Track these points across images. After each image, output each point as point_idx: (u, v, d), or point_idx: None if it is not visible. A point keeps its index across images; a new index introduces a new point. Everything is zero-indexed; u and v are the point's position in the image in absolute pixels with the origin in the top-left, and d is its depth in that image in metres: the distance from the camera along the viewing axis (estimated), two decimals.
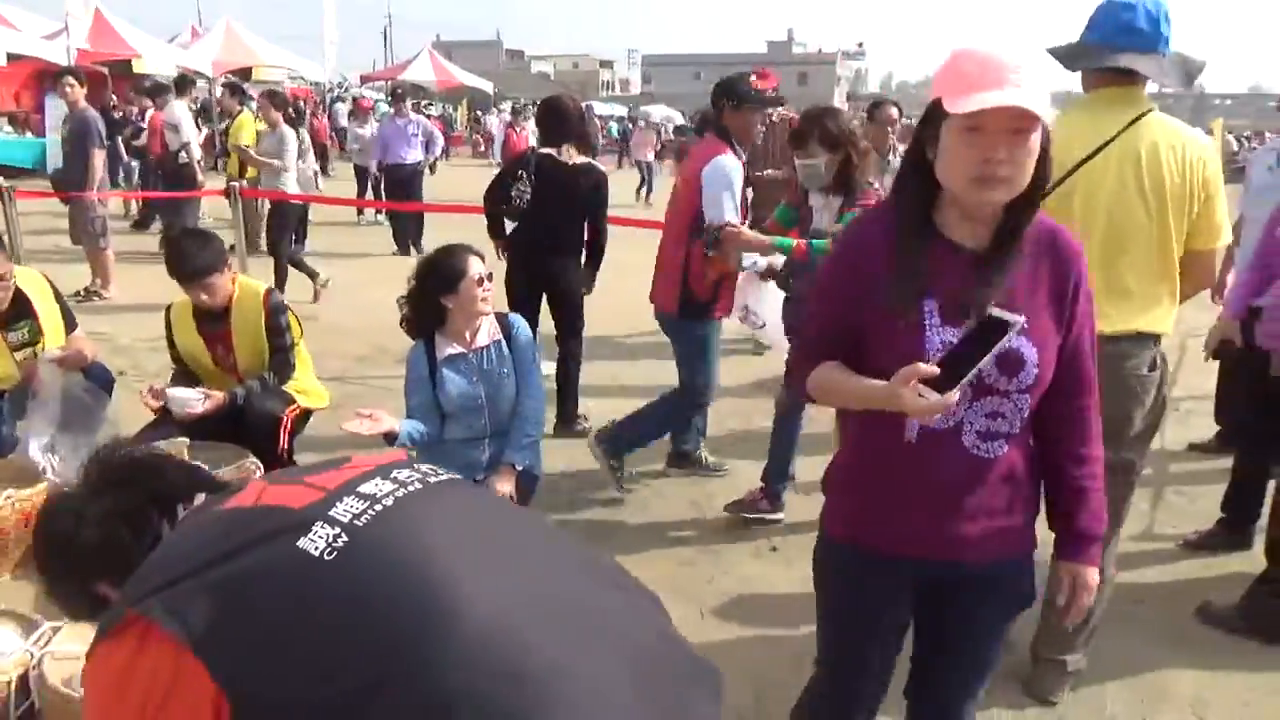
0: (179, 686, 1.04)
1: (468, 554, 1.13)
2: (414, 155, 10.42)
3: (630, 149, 19.81)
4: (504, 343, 3.32)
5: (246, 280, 3.82)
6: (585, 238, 4.63)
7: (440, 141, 10.86)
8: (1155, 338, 2.42)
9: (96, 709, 1.12)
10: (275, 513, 1.15)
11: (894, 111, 4.88)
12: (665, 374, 5.87)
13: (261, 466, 3.53)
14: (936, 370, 1.41)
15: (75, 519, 1.31)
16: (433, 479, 1.26)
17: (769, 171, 5.64)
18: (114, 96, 14.12)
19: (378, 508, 1.15)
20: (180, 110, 9.16)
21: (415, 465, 1.29)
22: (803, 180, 3.50)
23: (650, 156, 17.21)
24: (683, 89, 70.03)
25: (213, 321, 3.73)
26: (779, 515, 3.75)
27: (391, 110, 11.29)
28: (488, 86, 29.44)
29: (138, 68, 16.32)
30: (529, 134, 15.01)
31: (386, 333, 6.65)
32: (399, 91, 11.21)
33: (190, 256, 3.59)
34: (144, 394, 3.61)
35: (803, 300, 3.42)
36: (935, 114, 1.51)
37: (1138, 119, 2.34)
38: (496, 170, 5.14)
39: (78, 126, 7.20)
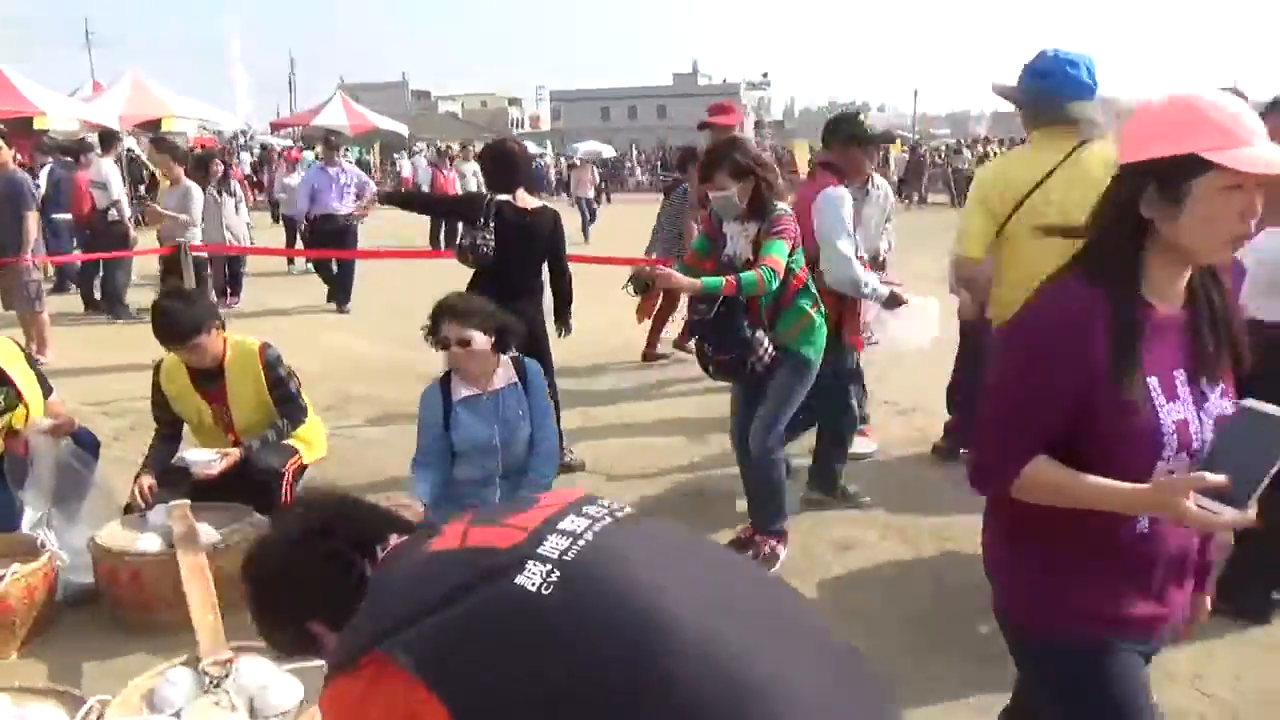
0: (418, 710, 1.12)
1: (670, 579, 1.22)
2: (346, 207, 9.78)
3: (570, 186, 19.75)
4: (520, 386, 3.39)
5: (239, 338, 3.81)
6: (546, 279, 4.66)
7: (373, 190, 10.48)
8: None
9: None
10: (486, 554, 1.23)
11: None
12: (628, 402, 6.03)
13: (267, 519, 3.51)
14: (1224, 480, 1.30)
15: (287, 561, 1.40)
16: (619, 513, 1.35)
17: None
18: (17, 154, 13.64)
19: (581, 543, 1.23)
20: (108, 167, 8.96)
21: (597, 501, 1.37)
22: (718, 211, 3.57)
23: (590, 193, 17.11)
24: (592, 124, 70.77)
25: (209, 380, 3.72)
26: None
27: (320, 159, 11.02)
28: (403, 129, 29.29)
29: (39, 124, 15.80)
30: (456, 177, 15.07)
31: (350, 379, 6.65)
32: (331, 139, 10.70)
33: (174, 319, 3.57)
34: (138, 494, 3.55)
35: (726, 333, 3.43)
36: (1170, 171, 1.38)
37: (1081, 145, 2.99)
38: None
39: (8, 189, 6.99)
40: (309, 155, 17.59)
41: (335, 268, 9.65)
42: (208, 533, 3.30)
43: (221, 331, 3.71)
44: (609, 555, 1.23)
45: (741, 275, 3.33)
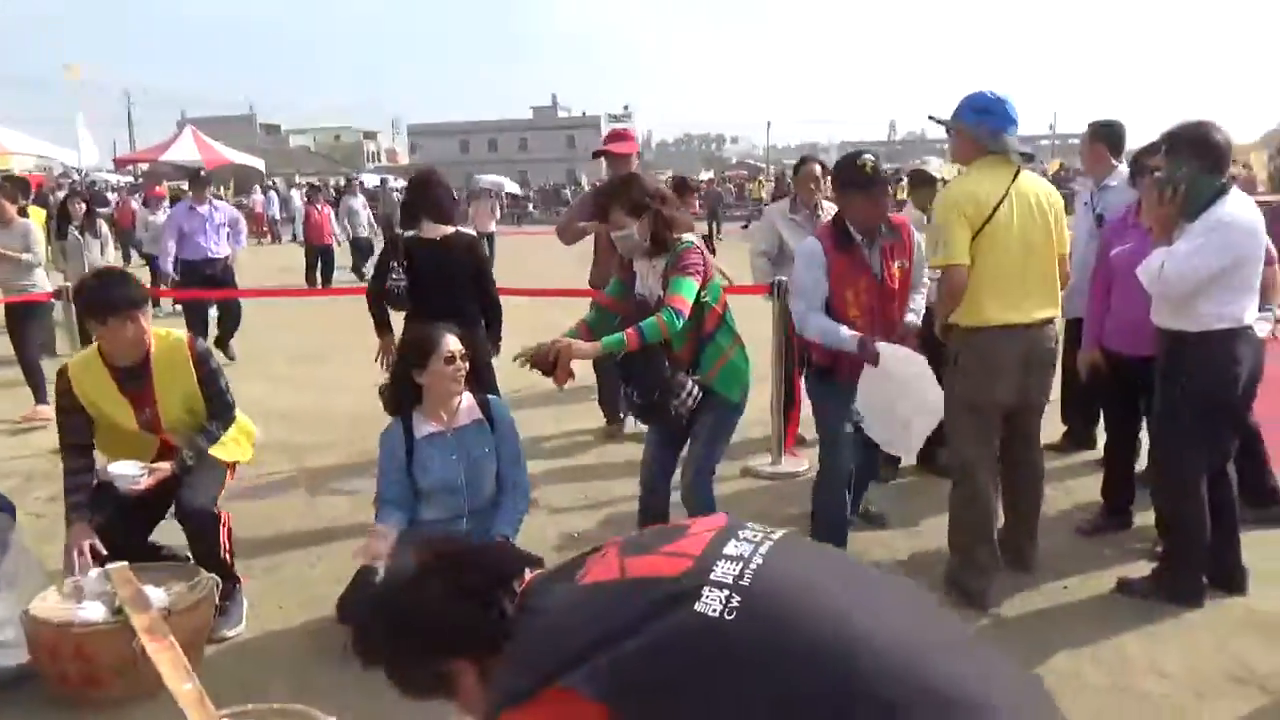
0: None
1: (846, 598, 1.23)
2: (222, 248, 8.85)
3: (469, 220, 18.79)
4: (485, 424, 3.33)
5: (163, 330, 3.51)
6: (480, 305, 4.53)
7: (244, 230, 9.76)
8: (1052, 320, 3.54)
9: None
10: (656, 583, 1.22)
11: (817, 168, 5.11)
12: (562, 433, 5.96)
13: (218, 579, 3.31)
14: None
15: (424, 600, 1.37)
16: (774, 535, 1.35)
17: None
18: None
19: (753, 566, 1.23)
20: None
21: (748, 525, 1.37)
22: (623, 252, 3.48)
23: (492, 227, 16.19)
24: (452, 157, 70.14)
25: (132, 378, 3.40)
26: None
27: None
28: (259, 163, 28.26)
29: None
30: (330, 213, 14.64)
31: (262, 424, 6.29)
32: (201, 174, 9.73)
33: (112, 289, 3.27)
34: (77, 557, 3.22)
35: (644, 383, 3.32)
36: None
37: (1017, 174, 3.43)
38: (301, 249, 4.96)
39: None
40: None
41: (217, 312, 8.94)
42: (155, 595, 3.08)
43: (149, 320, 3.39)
44: (783, 577, 1.24)
45: (642, 325, 3.16)
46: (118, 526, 3.38)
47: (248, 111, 76.60)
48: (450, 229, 4.45)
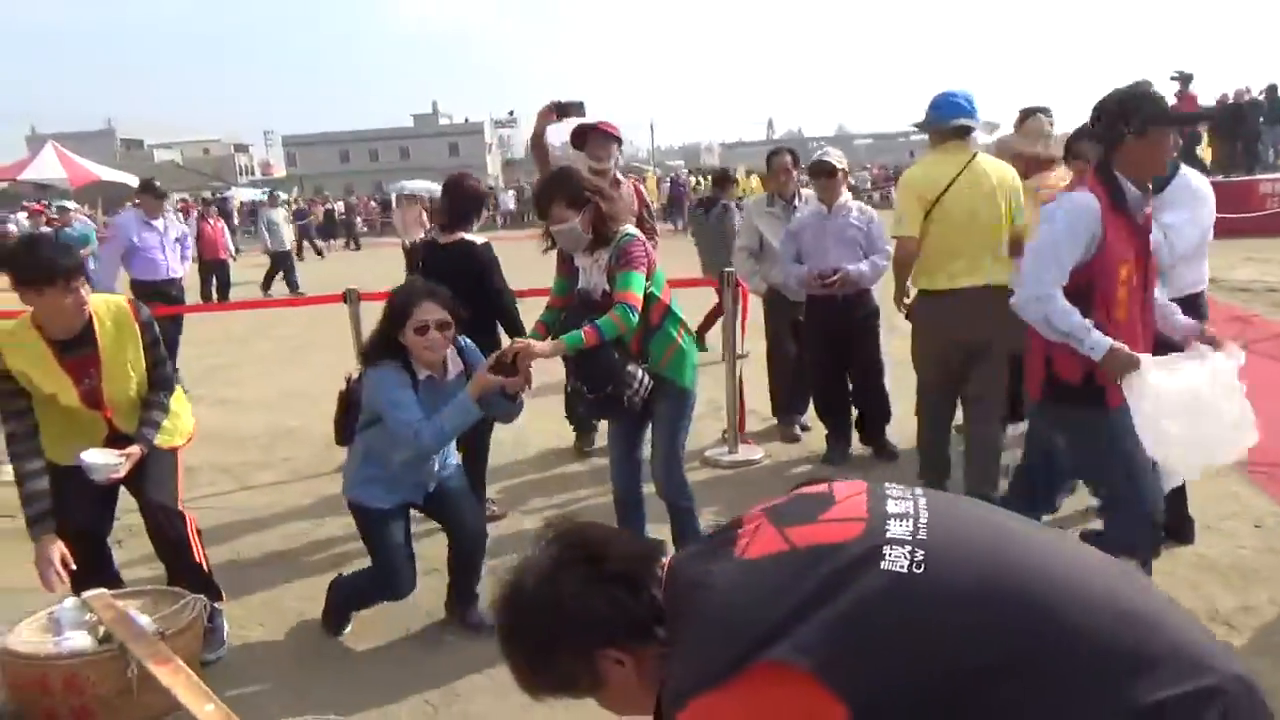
0: (815, 710, 1.12)
1: (1003, 537, 1.29)
2: (182, 267, 8.10)
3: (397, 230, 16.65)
4: (464, 375, 3.31)
5: (102, 295, 3.28)
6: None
7: (191, 246, 8.85)
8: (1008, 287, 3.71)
9: None
10: (833, 549, 1.23)
11: (788, 158, 5.22)
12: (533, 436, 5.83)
13: (205, 599, 3.17)
14: None
15: (569, 592, 1.32)
16: (918, 490, 1.39)
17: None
18: None
19: (921, 520, 1.26)
20: None
21: (885, 484, 1.41)
22: (564, 247, 3.45)
23: (420, 235, 15.79)
24: (332, 168, 68.24)
25: (75, 347, 3.13)
26: None
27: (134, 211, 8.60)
28: (132, 180, 26.74)
29: None
30: (223, 228, 14.10)
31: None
32: (155, 186, 8.22)
33: (53, 253, 3.00)
34: (51, 573, 2.98)
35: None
36: None
37: (974, 157, 3.91)
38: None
39: None
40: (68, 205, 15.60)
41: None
42: (142, 621, 2.93)
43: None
44: (949, 526, 1.27)
45: (599, 322, 3.14)
46: (85, 525, 3.21)
47: (105, 127, 72.75)
48: (456, 235, 4.35)
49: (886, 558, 1.21)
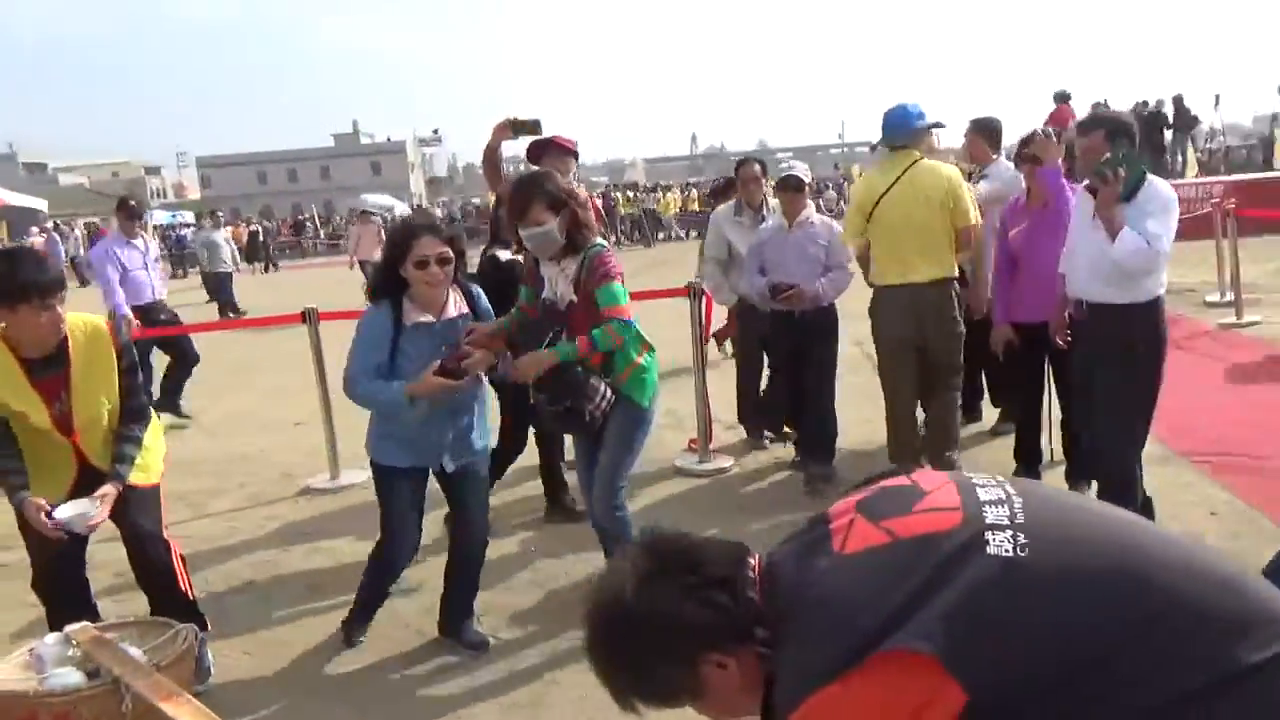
0: (936, 695, 1.16)
1: (1093, 518, 1.34)
2: (163, 288, 7.63)
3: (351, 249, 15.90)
4: (470, 316, 3.28)
5: (77, 314, 3.11)
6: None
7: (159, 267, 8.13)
8: (949, 279, 4.38)
9: None
10: (937, 538, 1.27)
11: (756, 168, 5.24)
12: None
13: (195, 628, 3.07)
14: None
15: (662, 600, 1.32)
16: (999, 477, 1.43)
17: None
18: None
19: (1016, 505, 1.30)
20: None
21: (971, 473, 1.45)
22: (534, 250, 3.29)
23: (378, 254, 15.22)
24: (249, 189, 66.71)
25: (46, 366, 3.00)
26: None
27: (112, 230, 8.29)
28: (41, 204, 25.92)
29: None
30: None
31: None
32: (131, 204, 7.63)
33: (34, 267, 2.87)
34: (44, 520, 2.90)
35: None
36: None
37: (913, 164, 4.33)
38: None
39: None
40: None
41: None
42: (133, 653, 2.83)
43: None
44: (1042, 510, 1.32)
45: (594, 335, 3.14)
46: (61, 550, 3.08)
47: (6, 150, 69.91)
48: (494, 251, 4.42)
49: (991, 543, 1.25)
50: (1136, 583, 1.22)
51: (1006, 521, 1.28)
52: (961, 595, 1.20)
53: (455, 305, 3.25)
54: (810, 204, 4.85)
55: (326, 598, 3.94)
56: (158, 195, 69.92)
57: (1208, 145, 22.11)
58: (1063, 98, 14.40)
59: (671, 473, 5.21)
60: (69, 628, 2.94)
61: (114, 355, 3.12)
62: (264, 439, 6.67)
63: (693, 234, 26.97)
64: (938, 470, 1.46)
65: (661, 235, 27.41)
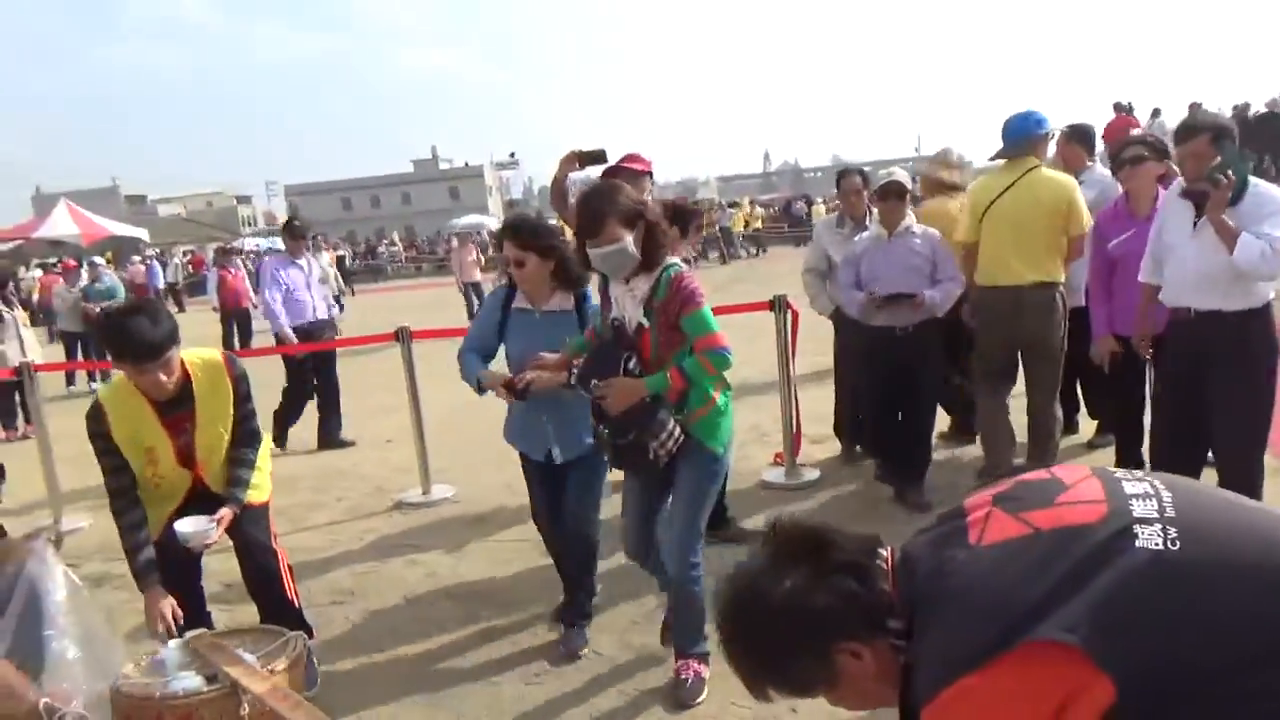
0: (1082, 687, 1.15)
1: (1243, 511, 1.33)
2: (325, 307, 7.52)
3: (456, 271, 16.17)
4: (574, 314, 3.41)
5: (194, 351, 3.27)
6: None
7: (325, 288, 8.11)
8: (1054, 284, 4.48)
9: None
10: (1084, 530, 1.26)
11: (858, 180, 5.13)
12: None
13: (304, 636, 3.19)
14: None
15: (795, 589, 1.34)
16: (1144, 471, 1.42)
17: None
18: None
19: (1165, 499, 1.29)
20: None
21: (1115, 469, 1.44)
22: (607, 270, 3.01)
23: (477, 276, 14.80)
24: (334, 215, 68.82)
25: (174, 405, 3.17)
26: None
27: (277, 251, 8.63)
28: (143, 234, 27.15)
29: None
30: (244, 275, 14.21)
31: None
32: (296, 224, 7.71)
33: (145, 331, 2.98)
34: (161, 619, 3.05)
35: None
36: None
37: (1031, 169, 4.48)
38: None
39: None
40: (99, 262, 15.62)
41: (313, 388, 7.26)
42: (248, 659, 2.94)
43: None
44: (1190, 504, 1.30)
45: (685, 365, 2.86)
46: (183, 582, 3.26)
47: (110, 184, 73.53)
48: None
49: (1140, 536, 1.23)
50: (1276, 574, 1.19)
51: (1155, 515, 1.27)
52: (1109, 588, 1.19)
53: (559, 301, 3.39)
54: (911, 213, 4.66)
55: (422, 608, 4.04)
56: (249, 224, 72.63)
57: None
58: (1123, 108, 14.89)
59: (759, 488, 5.19)
60: (188, 634, 3.08)
61: (230, 387, 3.27)
62: (357, 456, 6.87)
63: (758, 251, 26.88)
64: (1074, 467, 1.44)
65: (729, 252, 27.29)
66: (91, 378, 11.67)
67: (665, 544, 3.11)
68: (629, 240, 2.90)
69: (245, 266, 16.63)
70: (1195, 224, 3.48)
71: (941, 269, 4.52)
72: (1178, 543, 1.23)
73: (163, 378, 3.05)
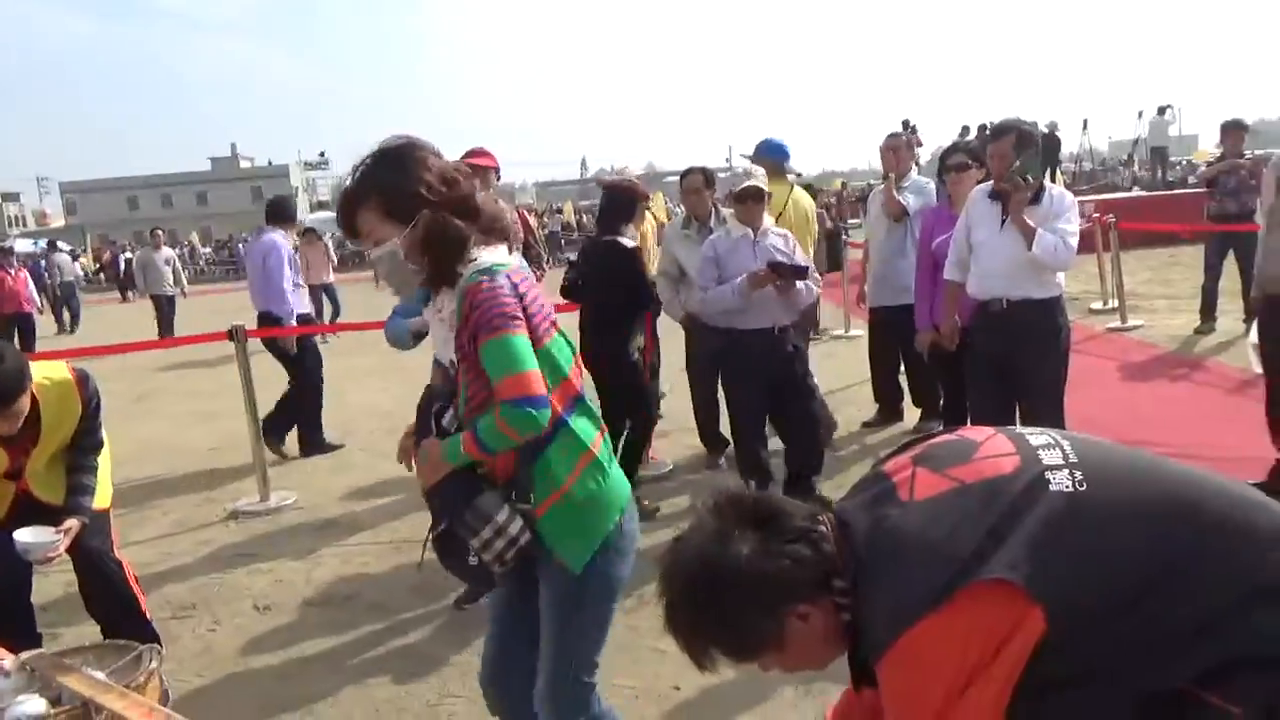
0: (1019, 624, 1.26)
1: (1140, 456, 1.47)
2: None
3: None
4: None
5: (44, 370, 3.02)
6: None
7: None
8: None
9: (941, 668, 1.27)
10: (1005, 480, 1.37)
11: (700, 179, 5.10)
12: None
13: (158, 648, 2.96)
14: None
15: (745, 556, 1.36)
16: (1046, 428, 1.55)
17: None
18: None
19: (1067, 448, 1.42)
20: None
21: (1013, 428, 1.56)
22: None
23: (329, 277, 13.29)
24: (119, 215, 63.52)
25: (16, 434, 2.95)
26: None
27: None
28: None
29: None
30: (25, 277, 12.94)
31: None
32: (284, 203, 7.12)
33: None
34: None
35: None
36: None
37: (791, 190, 5.36)
38: None
39: None
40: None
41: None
42: (97, 676, 2.70)
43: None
44: (1092, 450, 1.43)
45: (479, 429, 1.95)
46: (10, 598, 3.04)
47: None
48: (613, 236, 4.64)
49: (1053, 481, 1.35)
50: (1188, 505, 1.35)
51: (1061, 461, 1.39)
52: (1035, 529, 1.30)
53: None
54: (767, 215, 4.57)
55: (279, 616, 3.83)
56: (17, 224, 65.95)
57: (1073, 168, 23.67)
58: (909, 127, 16.41)
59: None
60: (23, 655, 2.79)
61: (80, 407, 3.07)
62: (181, 465, 6.41)
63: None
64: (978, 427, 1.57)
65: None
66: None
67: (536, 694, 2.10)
68: (396, 241, 2.00)
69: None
70: (1003, 222, 3.85)
71: (802, 266, 4.41)
72: (1085, 484, 1.36)
73: (14, 421, 2.86)
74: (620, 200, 4.72)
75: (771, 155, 5.39)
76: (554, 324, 2.07)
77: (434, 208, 1.98)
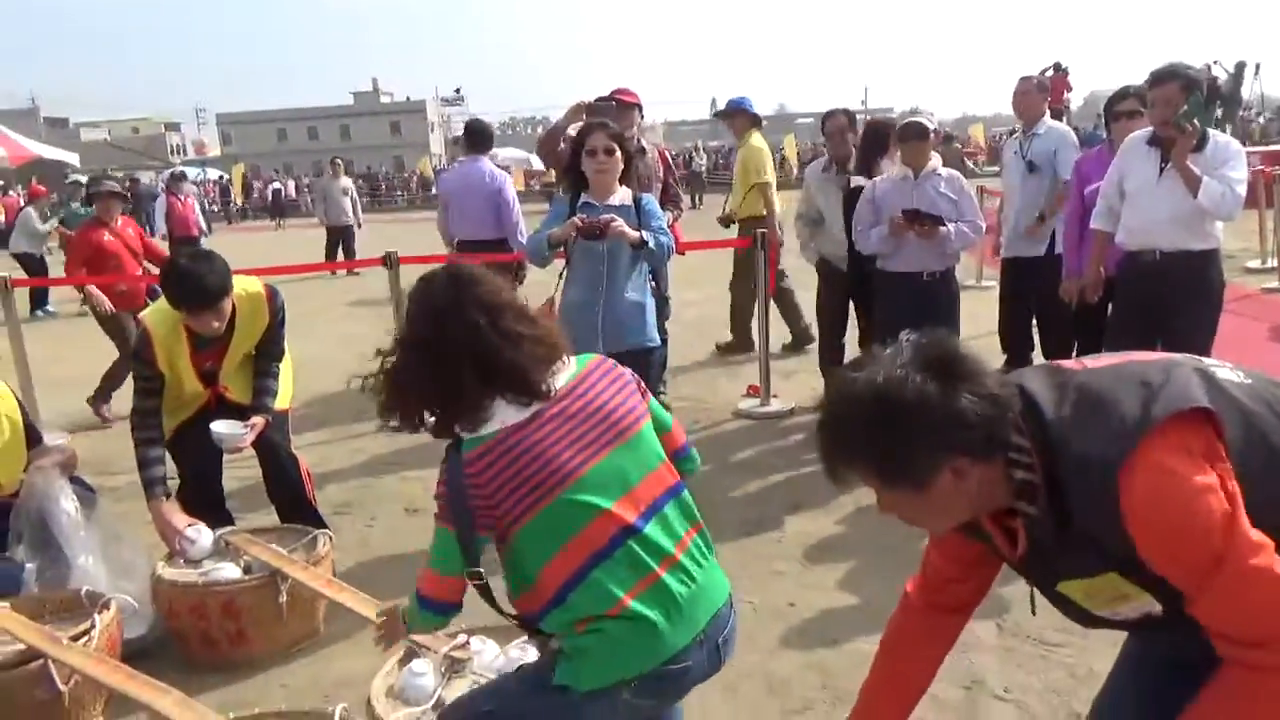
0: (1213, 444, 1.38)
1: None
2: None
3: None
4: (633, 210, 3.62)
5: (241, 282, 3.37)
6: None
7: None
8: None
9: (1190, 492, 1.33)
10: (1173, 359, 1.53)
11: (843, 119, 5.18)
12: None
13: (329, 533, 3.34)
14: None
15: (929, 395, 1.35)
16: None
17: None
18: None
19: (1222, 361, 1.58)
20: None
21: None
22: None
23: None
24: (269, 147, 66.68)
25: (211, 340, 3.32)
26: None
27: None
28: (73, 158, 25.98)
29: None
30: (193, 200, 13.84)
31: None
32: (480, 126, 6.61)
33: (202, 280, 3.12)
34: (179, 543, 3.13)
35: None
36: None
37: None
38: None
39: None
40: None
41: None
42: (275, 551, 3.08)
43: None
44: (1240, 368, 1.57)
45: (410, 603, 1.91)
46: (201, 466, 3.46)
47: (29, 105, 69.98)
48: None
49: (1219, 371, 1.48)
50: None
51: (1222, 364, 1.53)
52: (1208, 385, 1.43)
53: (620, 198, 3.62)
54: (936, 155, 4.44)
55: (426, 518, 4.17)
56: (178, 152, 69.98)
57: (1243, 115, 21.93)
58: (1061, 69, 15.91)
59: (731, 417, 5.41)
60: (219, 531, 3.21)
61: (268, 318, 3.42)
62: (333, 382, 6.91)
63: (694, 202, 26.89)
64: None
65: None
66: (38, 305, 11.44)
67: None
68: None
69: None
70: (1162, 170, 3.73)
71: (965, 212, 4.36)
72: (1248, 378, 1.50)
73: (215, 323, 3.20)
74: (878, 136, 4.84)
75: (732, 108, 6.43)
76: (563, 481, 1.70)
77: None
